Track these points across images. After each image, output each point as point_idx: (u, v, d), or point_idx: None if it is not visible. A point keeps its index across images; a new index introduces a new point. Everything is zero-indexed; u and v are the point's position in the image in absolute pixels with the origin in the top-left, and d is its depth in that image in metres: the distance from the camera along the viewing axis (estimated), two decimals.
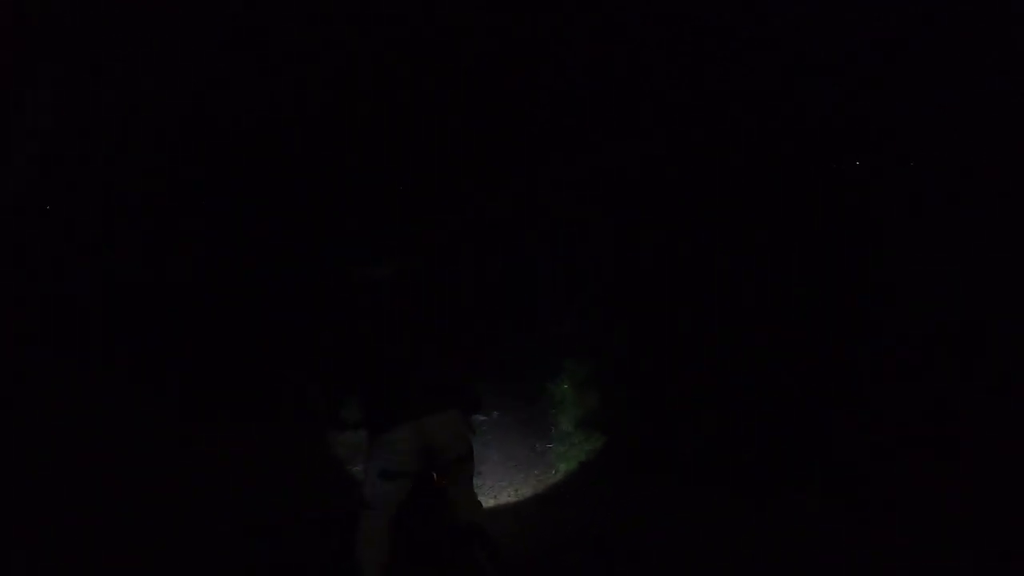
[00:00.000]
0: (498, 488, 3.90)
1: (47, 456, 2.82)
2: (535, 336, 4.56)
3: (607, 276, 4.39)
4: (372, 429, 2.43)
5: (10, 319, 3.20)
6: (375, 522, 2.42)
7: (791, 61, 3.76)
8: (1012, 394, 2.94)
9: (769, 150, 3.84)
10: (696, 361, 3.79)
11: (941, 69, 3.45)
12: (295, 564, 2.86)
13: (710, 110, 3.96)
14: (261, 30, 3.84)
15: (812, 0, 3.64)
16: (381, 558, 2.38)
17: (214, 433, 3.49)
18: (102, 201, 3.63)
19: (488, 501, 3.66)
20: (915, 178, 3.59)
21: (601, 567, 2.90)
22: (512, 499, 3.81)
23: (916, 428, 3.08)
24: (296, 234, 4.10)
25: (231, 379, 3.76)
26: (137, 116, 3.69)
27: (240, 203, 4.01)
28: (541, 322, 4.60)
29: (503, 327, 4.46)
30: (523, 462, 4.16)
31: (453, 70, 4.09)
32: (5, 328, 3.18)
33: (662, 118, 4.05)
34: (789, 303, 3.65)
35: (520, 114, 4.23)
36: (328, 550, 2.81)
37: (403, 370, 2.42)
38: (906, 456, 3.02)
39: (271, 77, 3.93)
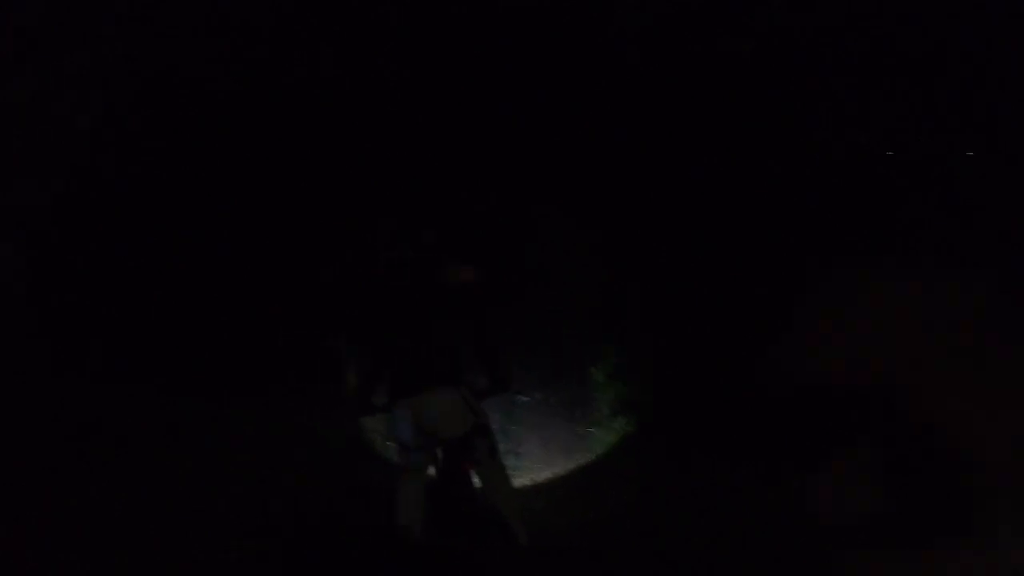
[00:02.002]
0: (536, 470, 3.90)
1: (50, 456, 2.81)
2: (579, 319, 4.50)
3: (647, 263, 4.33)
4: (388, 405, 2.66)
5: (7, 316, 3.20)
6: (407, 486, 2.64)
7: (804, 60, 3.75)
8: None
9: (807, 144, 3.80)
10: (739, 350, 3.75)
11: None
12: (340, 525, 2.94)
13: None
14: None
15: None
16: (415, 520, 2.59)
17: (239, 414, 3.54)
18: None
19: (525, 481, 3.67)
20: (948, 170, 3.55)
21: (630, 554, 2.89)
22: (550, 481, 3.82)
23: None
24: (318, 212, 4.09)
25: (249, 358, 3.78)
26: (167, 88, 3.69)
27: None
28: (585, 306, 4.54)
29: (546, 311, 4.42)
30: (563, 445, 4.17)
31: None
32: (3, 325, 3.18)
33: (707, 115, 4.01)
34: (822, 291, 3.61)
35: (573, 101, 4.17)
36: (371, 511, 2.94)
37: (409, 350, 2.58)
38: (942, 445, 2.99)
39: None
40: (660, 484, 3.41)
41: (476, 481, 2.84)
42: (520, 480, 2.90)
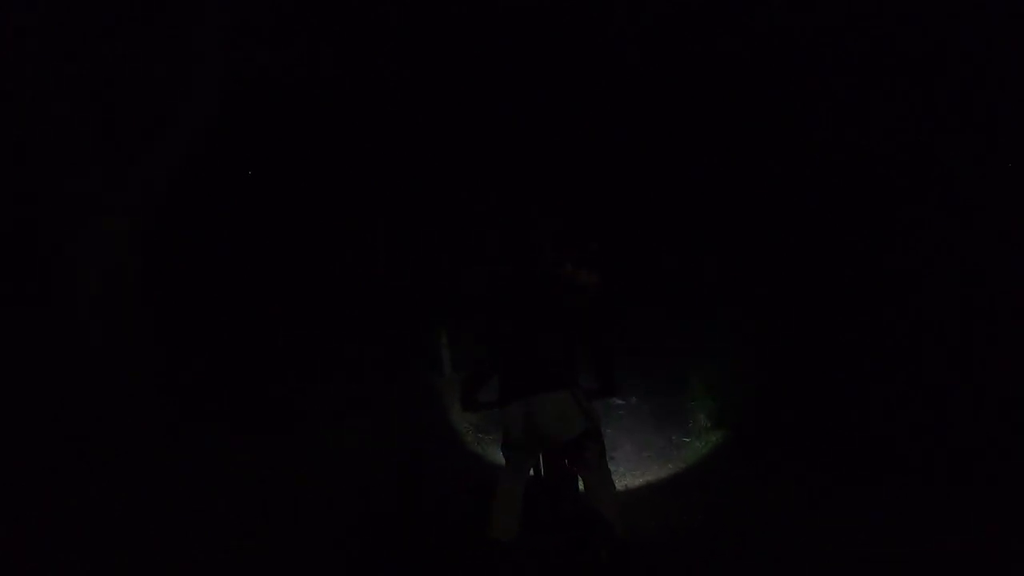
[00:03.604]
0: (630, 476, 3.86)
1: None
2: (680, 325, 4.43)
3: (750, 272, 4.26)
4: (499, 404, 2.69)
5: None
6: (507, 485, 2.64)
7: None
8: None
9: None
10: (838, 362, 3.71)
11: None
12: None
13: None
14: None
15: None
16: (512, 520, 2.59)
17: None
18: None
19: (619, 487, 3.64)
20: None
21: (721, 567, 2.86)
22: (643, 489, 3.78)
23: None
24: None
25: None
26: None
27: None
28: (686, 312, 4.47)
29: (649, 315, 4.36)
30: (658, 453, 4.09)
31: None
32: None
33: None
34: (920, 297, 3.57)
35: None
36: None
37: (521, 351, 2.62)
38: None
39: None
40: (754, 497, 3.37)
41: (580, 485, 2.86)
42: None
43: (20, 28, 3.02)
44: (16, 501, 2.60)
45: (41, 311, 3.17)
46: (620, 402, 4.26)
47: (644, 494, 3.75)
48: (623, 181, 4.33)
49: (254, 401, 3.51)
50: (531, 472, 2.81)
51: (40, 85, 3.11)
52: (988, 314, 3.30)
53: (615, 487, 2.79)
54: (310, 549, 2.90)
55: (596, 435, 2.68)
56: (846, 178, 3.80)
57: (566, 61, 4.12)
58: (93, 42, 3.25)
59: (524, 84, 4.15)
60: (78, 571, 2.47)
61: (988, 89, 3.37)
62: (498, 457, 3.04)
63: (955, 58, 3.41)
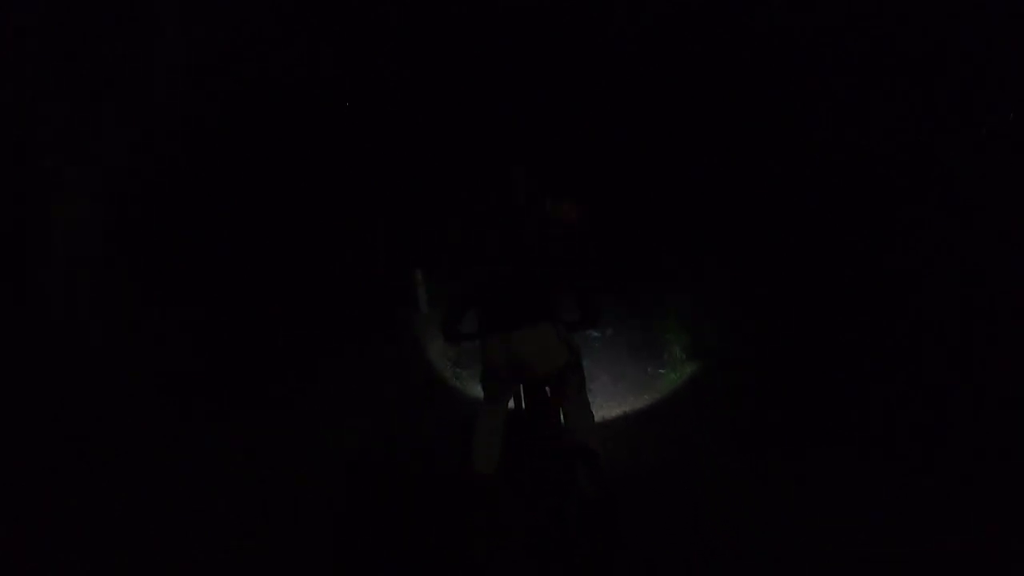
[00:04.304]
0: (606, 408, 3.85)
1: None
2: (661, 253, 4.41)
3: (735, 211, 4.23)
4: (479, 337, 2.69)
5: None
6: (487, 417, 2.70)
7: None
8: None
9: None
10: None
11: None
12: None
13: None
14: None
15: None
16: (492, 450, 2.64)
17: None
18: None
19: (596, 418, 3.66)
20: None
21: (693, 498, 2.92)
22: (618, 420, 3.80)
23: None
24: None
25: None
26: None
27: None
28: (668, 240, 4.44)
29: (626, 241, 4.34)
30: (633, 384, 4.10)
31: None
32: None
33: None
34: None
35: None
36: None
37: (500, 284, 2.60)
38: None
39: None
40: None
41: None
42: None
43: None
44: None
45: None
46: (596, 334, 4.22)
47: (620, 426, 3.77)
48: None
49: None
50: (510, 405, 2.81)
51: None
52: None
53: (594, 419, 2.79)
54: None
55: (576, 367, 2.70)
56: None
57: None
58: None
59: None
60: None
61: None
62: (476, 392, 3.04)
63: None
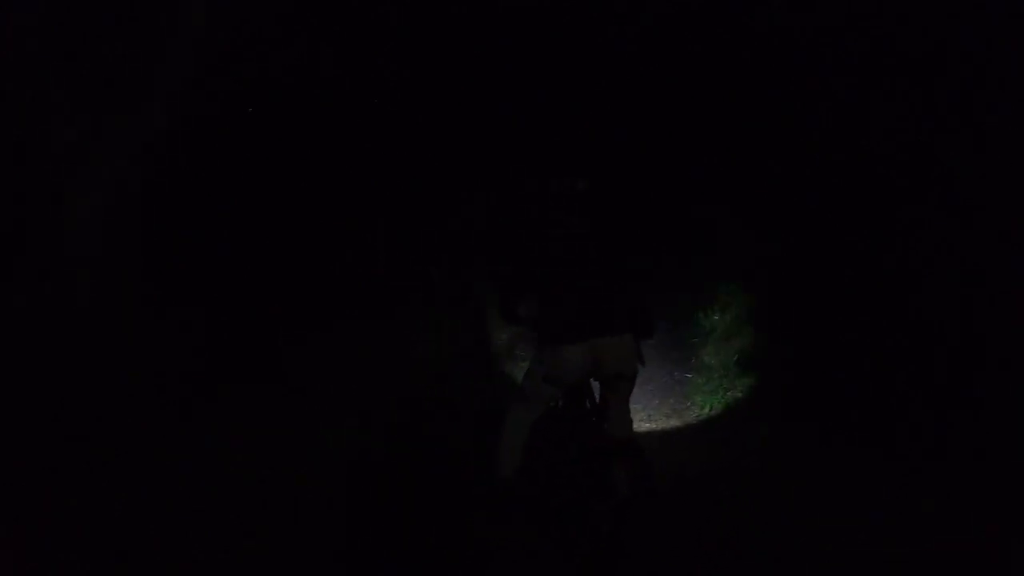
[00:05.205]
0: (632, 411, 3.89)
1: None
2: (690, 260, 4.50)
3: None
4: (547, 336, 2.66)
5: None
6: (526, 414, 2.73)
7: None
8: None
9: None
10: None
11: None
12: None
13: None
14: None
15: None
16: (519, 447, 2.67)
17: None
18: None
19: None
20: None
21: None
22: (644, 423, 3.82)
23: None
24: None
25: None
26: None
27: None
28: (698, 247, 4.51)
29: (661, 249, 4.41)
30: (660, 389, 4.14)
31: None
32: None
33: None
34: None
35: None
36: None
37: (586, 290, 2.61)
38: None
39: None
40: (755, 442, 3.40)
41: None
42: None
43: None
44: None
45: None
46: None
47: (643, 431, 3.80)
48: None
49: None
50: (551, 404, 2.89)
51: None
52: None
53: (632, 424, 2.90)
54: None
55: (634, 378, 2.80)
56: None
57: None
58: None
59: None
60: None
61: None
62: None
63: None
